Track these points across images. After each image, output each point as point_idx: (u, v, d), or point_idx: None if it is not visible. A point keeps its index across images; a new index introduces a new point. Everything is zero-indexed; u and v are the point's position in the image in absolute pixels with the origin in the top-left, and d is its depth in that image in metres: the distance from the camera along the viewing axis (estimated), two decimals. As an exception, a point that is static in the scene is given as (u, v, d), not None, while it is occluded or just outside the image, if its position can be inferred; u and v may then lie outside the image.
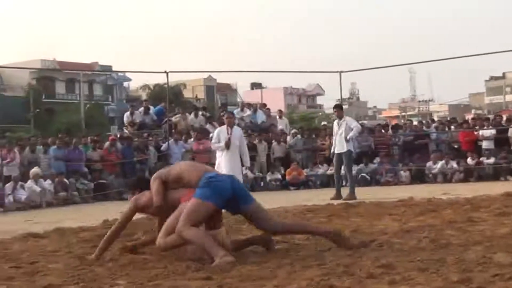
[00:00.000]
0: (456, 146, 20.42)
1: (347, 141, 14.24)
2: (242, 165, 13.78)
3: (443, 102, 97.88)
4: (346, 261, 5.62)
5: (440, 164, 18.90)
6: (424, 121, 23.51)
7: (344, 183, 15.06)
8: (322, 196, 14.37)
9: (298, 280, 4.87)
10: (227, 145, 12.87)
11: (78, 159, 19.02)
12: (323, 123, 38.76)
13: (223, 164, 12.93)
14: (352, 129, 14.52)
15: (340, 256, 5.91)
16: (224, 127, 13.32)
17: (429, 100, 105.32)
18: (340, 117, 14.60)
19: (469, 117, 34.13)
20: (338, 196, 14.01)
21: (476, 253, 5.73)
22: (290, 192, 18.83)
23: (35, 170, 17.39)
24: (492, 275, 4.76)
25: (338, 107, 15.39)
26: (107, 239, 6.56)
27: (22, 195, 16.55)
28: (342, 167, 14.70)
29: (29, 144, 19.64)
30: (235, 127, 13.39)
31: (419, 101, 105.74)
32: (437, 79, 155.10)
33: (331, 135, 21.35)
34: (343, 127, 14.39)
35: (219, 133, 13.28)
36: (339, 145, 14.36)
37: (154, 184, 6.47)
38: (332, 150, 14.81)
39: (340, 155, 14.41)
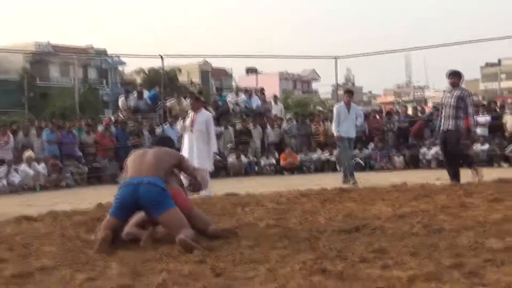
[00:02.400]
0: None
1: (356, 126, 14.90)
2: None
3: (438, 89, 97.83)
4: (339, 245, 5.64)
5: (434, 149, 18.92)
6: (418, 107, 23.55)
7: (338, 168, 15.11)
8: (316, 181, 14.39)
9: (291, 264, 4.89)
10: (182, 129, 12.65)
11: (71, 142, 18.97)
12: (318, 108, 38.67)
13: (184, 147, 12.64)
14: (360, 115, 15.39)
15: (333, 241, 5.93)
16: (191, 112, 12.75)
17: (424, 87, 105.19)
18: (350, 102, 14.81)
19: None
20: (351, 179, 14.30)
21: (468, 238, 5.75)
22: (284, 177, 18.84)
23: (28, 153, 17.38)
24: (484, 260, 4.80)
25: (350, 93, 15.62)
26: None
27: (16, 178, 16.54)
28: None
29: (23, 127, 19.62)
30: (203, 111, 12.79)
31: (414, 87, 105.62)
32: (433, 66, 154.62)
33: (325, 119, 21.47)
34: (353, 112, 14.76)
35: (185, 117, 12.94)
36: (351, 130, 14.67)
37: None
38: (338, 134, 14.69)
39: (350, 140, 14.73)
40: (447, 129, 12.05)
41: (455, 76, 12.23)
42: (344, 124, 14.57)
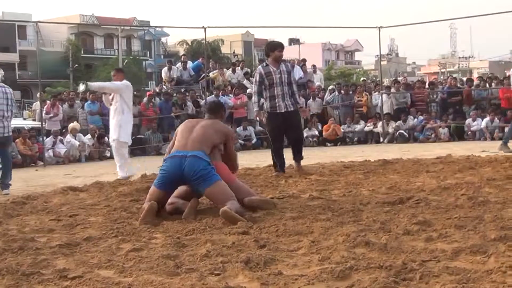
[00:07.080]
0: (496, 103, 20.14)
1: None
2: None
3: (484, 59, 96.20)
4: (383, 217, 5.62)
5: (485, 121, 18.60)
6: (459, 78, 23.15)
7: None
8: (359, 153, 14.33)
9: (335, 236, 4.89)
10: (106, 102, 12.58)
11: (114, 114, 19.11)
12: (362, 79, 38.29)
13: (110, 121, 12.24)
14: None
15: (377, 213, 5.91)
16: None
17: (470, 57, 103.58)
18: None
19: (509, 73, 33.54)
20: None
21: (514, 211, 5.69)
22: (327, 148, 18.78)
23: (73, 124, 17.60)
24: (530, 233, 4.73)
25: None
26: None
27: (62, 149, 16.77)
28: None
29: (68, 99, 19.87)
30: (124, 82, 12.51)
31: (459, 58, 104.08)
32: (478, 35, 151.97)
33: (368, 90, 21.20)
34: None
35: None
36: None
37: None
38: None
39: None
40: (287, 110, 10.13)
41: (280, 48, 10.25)
42: None
